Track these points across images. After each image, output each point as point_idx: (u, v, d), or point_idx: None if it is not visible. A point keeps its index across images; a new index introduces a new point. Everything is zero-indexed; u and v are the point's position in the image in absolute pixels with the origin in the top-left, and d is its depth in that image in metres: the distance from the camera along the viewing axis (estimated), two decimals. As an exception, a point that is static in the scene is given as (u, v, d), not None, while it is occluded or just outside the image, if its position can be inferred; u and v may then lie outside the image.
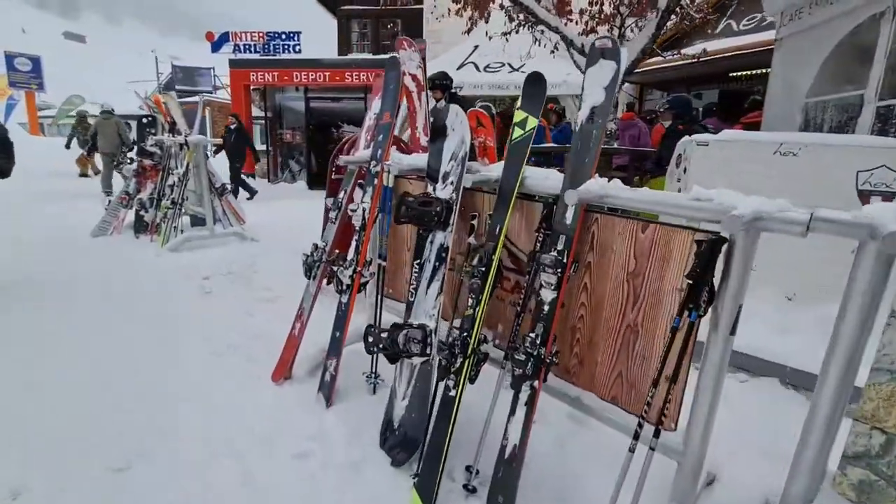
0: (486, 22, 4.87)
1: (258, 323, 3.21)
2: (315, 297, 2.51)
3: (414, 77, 2.64)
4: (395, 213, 2.06)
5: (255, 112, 13.05)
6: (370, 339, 1.95)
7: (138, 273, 4.26)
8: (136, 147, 5.48)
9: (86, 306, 3.47)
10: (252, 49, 11.27)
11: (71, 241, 5.23)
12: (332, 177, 3.40)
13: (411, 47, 2.60)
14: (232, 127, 8.78)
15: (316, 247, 2.50)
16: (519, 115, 1.90)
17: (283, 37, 11.20)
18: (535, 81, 1.92)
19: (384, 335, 1.88)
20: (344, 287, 2.31)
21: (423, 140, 2.70)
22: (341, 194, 2.60)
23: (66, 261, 4.54)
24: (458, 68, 8.75)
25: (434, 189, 2.04)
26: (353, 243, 2.37)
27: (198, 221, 5.33)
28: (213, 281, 4.11)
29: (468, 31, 6.05)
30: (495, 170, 1.96)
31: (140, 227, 5.41)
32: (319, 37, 11.43)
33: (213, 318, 3.29)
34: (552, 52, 6.03)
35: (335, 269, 2.35)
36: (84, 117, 11.08)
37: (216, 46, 11.36)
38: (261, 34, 11.22)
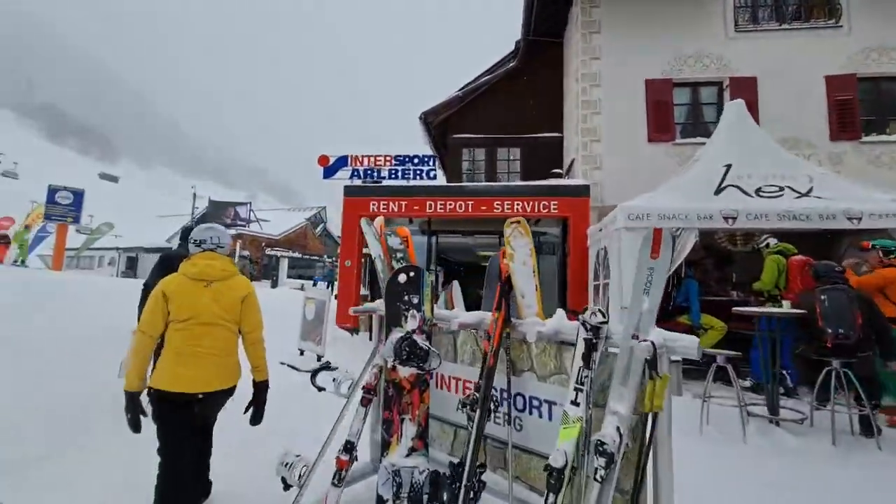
0: None
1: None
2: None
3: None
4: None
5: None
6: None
7: None
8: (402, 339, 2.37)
9: None
10: (376, 175, 9.04)
11: None
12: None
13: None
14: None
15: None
16: None
17: (416, 161, 9.07)
18: None
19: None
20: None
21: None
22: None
23: None
24: (716, 192, 6.26)
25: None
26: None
27: None
28: None
29: None
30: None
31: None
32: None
33: None
34: None
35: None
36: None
37: (330, 172, 9.15)
38: (388, 158, 9.10)
